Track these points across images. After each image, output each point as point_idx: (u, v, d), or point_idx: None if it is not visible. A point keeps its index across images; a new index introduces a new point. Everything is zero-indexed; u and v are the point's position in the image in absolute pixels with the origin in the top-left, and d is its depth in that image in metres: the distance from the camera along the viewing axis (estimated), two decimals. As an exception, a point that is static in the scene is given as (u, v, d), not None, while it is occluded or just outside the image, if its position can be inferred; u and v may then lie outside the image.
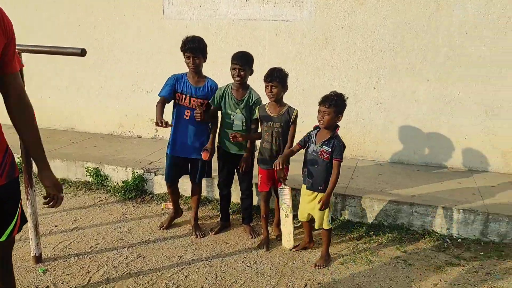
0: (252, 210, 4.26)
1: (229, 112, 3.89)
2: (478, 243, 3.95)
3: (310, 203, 3.61)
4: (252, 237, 4.07)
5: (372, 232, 4.15)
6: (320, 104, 3.41)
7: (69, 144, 6.13)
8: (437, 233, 4.06)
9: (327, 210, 3.55)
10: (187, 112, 3.89)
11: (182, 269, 3.56)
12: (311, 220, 3.74)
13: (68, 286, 3.31)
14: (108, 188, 5.14)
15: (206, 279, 3.42)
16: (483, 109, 4.94)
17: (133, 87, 6.31)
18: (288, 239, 3.86)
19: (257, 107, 3.82)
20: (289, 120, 3.71)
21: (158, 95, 3.87)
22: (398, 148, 5.36)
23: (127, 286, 3.32)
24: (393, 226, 4.19)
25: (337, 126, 3.49)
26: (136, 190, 4.98)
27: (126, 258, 3.73)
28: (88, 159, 5.37)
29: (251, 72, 3.86)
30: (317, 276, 3.46)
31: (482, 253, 3.80)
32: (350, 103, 5.28)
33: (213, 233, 4.14)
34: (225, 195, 4.23)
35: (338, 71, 5.36)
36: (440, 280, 3.41)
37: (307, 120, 5.09)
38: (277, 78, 3.59)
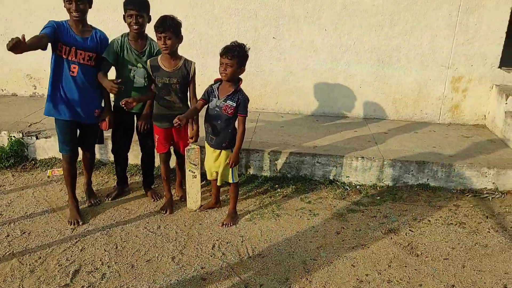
0: (153, 171, 3.97)
1: (129, 67, 3.42)
2: (374, 188, 4.15)
3: (215, 161, 3.43)
4: (154, 200, 3.81)
5: (277, 185, 4.14)
6: (221, 55, 3.13)
7: None
8: (338, 181, 4.18)
9: (230, 168, 3.42)
10: (74, 68, 3.25)
11: (76, 242, 3.21)
12: None
13: None
14: (-20, 156, 4.43)
15: (105, 250, 3.12)
16: (376, 58, 5.08)
17: (2, 37, 5.42)
18: (195, 200, 3.68)
19: (148, 60, 3.39)
20: (187, 75, 3.38)
21: (40, 32, 3.09)
22: (298, 99, 5.36)
23: (11, 268, 2.90)
24: (297, 177, 4.21)
25: (240, 79, 3.27)
26: (15, 156, 4.37)
27: (8, 236, 3.26)
28: (-51, 123, 4.54)
29: (149, 19, 3.41)
30: (225, 235, 3.35)
31: (378, 198, 3.99)
32: (250, 53, 5.15)
33: (109, 199, 3.80)
34: (122, 158, 3.86)
35: (237, 20, 5.10)
36: (343, 228, 3.52)
37: (206, 72, 4.83)
38: (170, 28, 3.19)
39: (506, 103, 4.73)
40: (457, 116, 5.22)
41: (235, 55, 3.10)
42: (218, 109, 3.25)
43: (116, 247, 3.17)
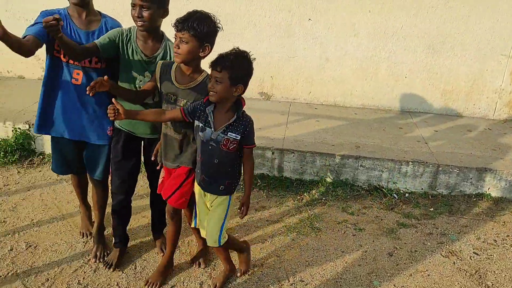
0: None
1: (134, 74, 2.44)
2: (426, 197, 3.64)
3: (207, 207, 2.48)
4: (163, 254, 2.80)
5: (315, 191, 3.64)
6: (210, 67, 2.22)
7: None
8: (384, 188, 3.66)
9: (217, 225, 2.42)
10: (77, 75, 2.44)
11: (88, 260, 2.77)
12: None
13: None
14: (-18, 149, 3.99)
15: (123, 272, 2.68)
16: (426, 44, 4.49)
17: (7, 13, 4.92)
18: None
19: (160, 62, 2.39)
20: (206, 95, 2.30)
21: (23, 36, 2.24)
22: (334, 89, 4.81)
23: (14, 294, 2.48)
24: (337, 182, 3.70)
25: (242, 99, 2.30)
26: (21, 150, 3.92)
27: (11, 249, 2.83)
28: (-51, 110, 4.10)
29: (165, 13, 2.38)
30: (257, 254, 2.89)
31: (432, 209, 3.48)
32: (283, 37, 4.60)
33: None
34: (124, 205, 2.75)
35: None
36: (396, 248, 3.03)
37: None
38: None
39: None
40: (514, 111, 4.65)
41: (227, 66, 2.16)
42: (214, 144, 2.27)
43: (135, 268, 2.72)
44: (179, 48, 2.19)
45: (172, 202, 2.49)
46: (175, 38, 2.21)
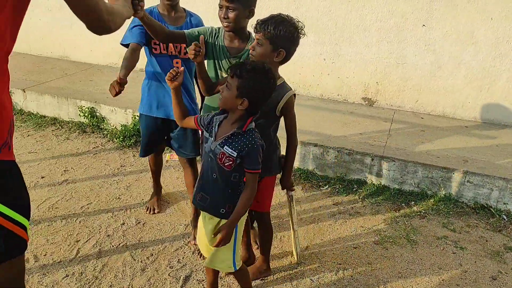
0: None
1: (218, 72, 2.52)
2: (541, 223, 3.31)
3: (211, 232, 2.17)
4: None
5: (413, 202, 3.51)
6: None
7: (61, 76, 5.36)
8: (492, 208, 3.40)
9: (229, 248, 2.16)
10: (177, 63, 2.74)
11: (188, 242, 2.97)
12: None
13: (52, 259, 2.75)
14: (105, 132, 4.46)
15: (217, 257, 2.84)
16: (556, 57, 4.07)
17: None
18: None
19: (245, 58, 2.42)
20: (274, 107, 2.24)
21: (121, 43, 2.71)
22: (444, 99, 4.56)
23: (123, 263, 2.75)
24: (439, 196, 3.53)
25: (253, 114, 2.04)
26: (137, 136, 4.31)
27: (123, 224, 3.14)
28: (82, 96, 4.63)
29: (250, 14, 2.41)
30: (349, 259, 2.87)
31: (547, 237, 3.17)
32: (392, 42, 4.48)
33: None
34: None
35: (381, 2, 4.42)
36: (500, 272, 2.81)
37: (338, 61, 4.29)
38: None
39: None
40: None
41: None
42: (212, 156, 2.06)
43: (230, 255, 2.86)
44: (254, 50, 2.21)
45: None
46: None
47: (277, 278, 2.68)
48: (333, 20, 4.59)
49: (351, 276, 2.72)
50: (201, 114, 2.55)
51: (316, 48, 4.61)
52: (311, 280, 2.68)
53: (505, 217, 3.35)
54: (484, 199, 3.43)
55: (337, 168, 3.75)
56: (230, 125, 2.04)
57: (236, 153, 1.98)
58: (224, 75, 2.47)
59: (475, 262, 2.90)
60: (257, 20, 2.20)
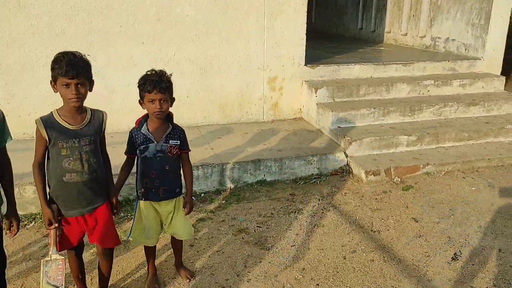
0: None
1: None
2: (218, 193, 4.22)
3: (168, 215, 2.85)
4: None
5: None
6: (149, 91, 2.54)
7: None
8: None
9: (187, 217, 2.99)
10: None
11: None
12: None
13: None
14: None
15: None
16: (198, 67, 5.19)
17: None
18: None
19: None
20: (100, 128, 2.49)
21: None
22: (126, 119, 5.12)
23: None
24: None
25: (170, 114, 2.76)
26: None
27: None
28: None
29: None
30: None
31: (224, 202, 4.07)
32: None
33: None
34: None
35: (40, 39, 4.61)
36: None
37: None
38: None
39: (316, 96, 5.34)
40: (278, 113, 5.68)
41: (167, 87, 2.59)
42: (161, 154, 2.70)
43: None
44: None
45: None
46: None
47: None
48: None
49: None
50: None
51: None
52: None
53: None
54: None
55: None
56: (161, 126, 2.70)
57: (179, 142, 2.75)
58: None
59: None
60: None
